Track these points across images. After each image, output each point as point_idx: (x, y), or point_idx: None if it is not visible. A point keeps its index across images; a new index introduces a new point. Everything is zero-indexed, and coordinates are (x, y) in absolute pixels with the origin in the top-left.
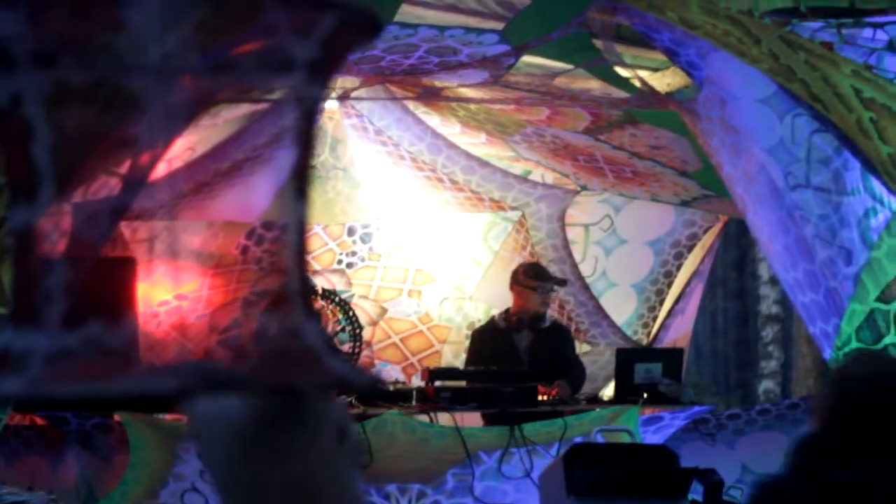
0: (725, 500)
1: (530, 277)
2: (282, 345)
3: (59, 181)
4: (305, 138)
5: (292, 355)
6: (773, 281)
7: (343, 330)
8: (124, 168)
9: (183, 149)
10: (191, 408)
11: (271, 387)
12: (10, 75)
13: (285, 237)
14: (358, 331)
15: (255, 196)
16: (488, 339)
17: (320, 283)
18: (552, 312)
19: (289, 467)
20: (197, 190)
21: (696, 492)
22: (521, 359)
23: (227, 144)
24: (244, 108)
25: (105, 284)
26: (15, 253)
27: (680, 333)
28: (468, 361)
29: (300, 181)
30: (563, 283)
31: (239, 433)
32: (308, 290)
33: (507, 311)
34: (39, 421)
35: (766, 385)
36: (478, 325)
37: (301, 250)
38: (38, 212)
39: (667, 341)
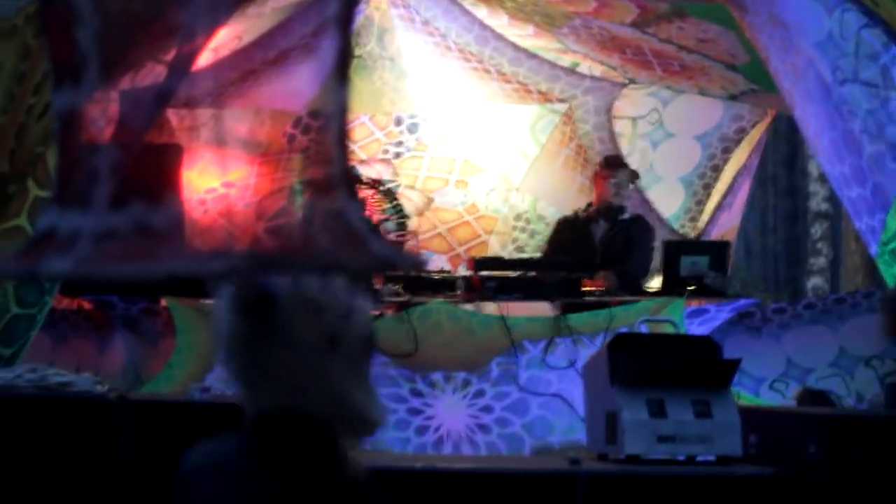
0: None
1: (602, 167)
2: (327, 228)
3: (104, 65)
4: (345, 25)
5: (338, 238)
6: (823, 178)
7: (389, 219)
8: (170, 55)
9: (230, 37)
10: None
11: (317, 267)
12: None
13: (330, 125)
14: (404, 220)
15: (301, 85)
16: (566, 229)
17: (367, 172)
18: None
19: (272, 365)
20: (244, 78)
21: (741, 384)
22: (594, 249)
23: (273, 33)
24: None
25: (151, 168)
26: (60, 135)
27: (727, 228)
28: (547, 249)
29: (342, 68)
30: (635, 175)
31: (229, 338)
32: (351, 174)
33: (589, 203)
34: (86, 305)
35: (814, 282)
36: (524, 216)
37: (343, 136)
38: (82, 95)
39: (714, 235)
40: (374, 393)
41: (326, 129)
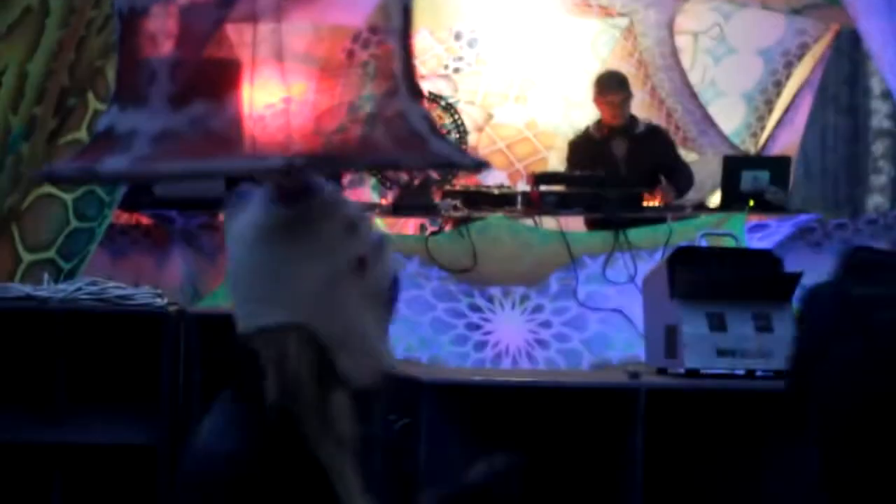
0: None
1: (595, 91)
2: (388, 129)
3: None
4: None
5: (398, 138)
6: (885, 95)
7: (449, 133)
8: None
9: None
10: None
11: (377, 165)
12: None
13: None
14: (464, 136)
15: None
16: (584, 150)
17: (427, 87)
18: (660, 119)
19: (295, 271)
20: None
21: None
22: (619, 167)
23: None
24: None
25: (207, 74)
26: (120, 35)
27: (788, 144)
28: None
29: None
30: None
31: (254, 237)
32: (413, 75)
33: (599, 121)
34: (145, 220)
35: (875, 200)
36: (582, 130)
37: (407, 45)
38: None
39: (774, 151)
40: (388, 339)
41: (388, 40)
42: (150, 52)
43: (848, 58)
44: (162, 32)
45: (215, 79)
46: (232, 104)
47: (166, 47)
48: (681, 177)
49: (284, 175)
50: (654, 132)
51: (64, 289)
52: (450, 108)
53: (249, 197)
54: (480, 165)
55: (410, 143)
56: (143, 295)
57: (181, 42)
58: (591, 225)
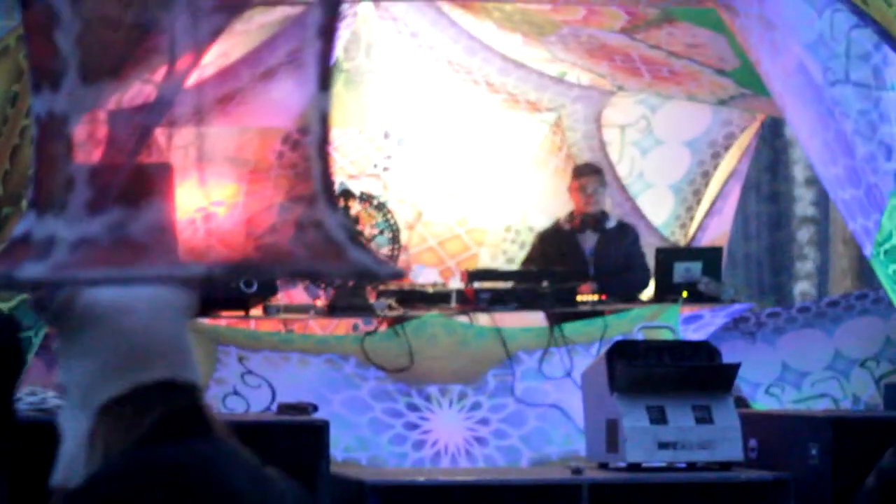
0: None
1: (572, 177)
2: (305, 237)
3: (84, 69)
4: (329, 29)
5: (315, 247)
6: (809, 182)
7: (382, 233)
8: (159, 75)
9: (216, 55)
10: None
11: (295, 275)
12: None
13: (310, 137)
14: (397, 234)
15: (289, 100)
16: (553, 242)
17: (358, 186)
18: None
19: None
20: (231, 96)
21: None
22: (586, 261)
23: (260, 49)
24: (278, 13)
25: (125, 178)
26: (38, 140)
27: (717, 234)
28: (528, 263)
29: (325, 73)
30: (597, 171)
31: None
32: (330, 184)
33: (571, 213)
34: None
35: (801, 287)
36: (514, 227)
37: (323, 147)
38: (61, 100)
39: (704, 242)
40: None
41: (310, 144)
42: (64, 154)
43: (770, 145)
44: (91, 141)
45: (134, 184)
46: (152, 210)
47: (95, 156)
48: (636, 278)
49: (206, 282)
50: (623, 228)
51: None
52: (381, 207)
53: None
54: (398, 274)
55: (328, 251)
56: None
57: (111, 150)
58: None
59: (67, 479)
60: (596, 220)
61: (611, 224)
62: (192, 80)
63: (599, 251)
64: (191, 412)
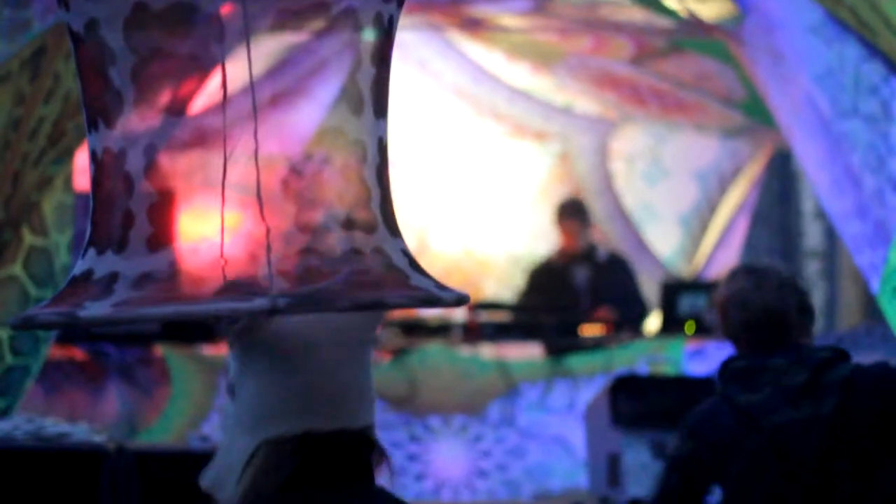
0: None
1: (557, 216)
2: (370, 264)
3: (138, 105)
4: (384, 56)
5: (382, 274)
6: (818, 215)
7: (419, 266)
8: (198, 97)
9: (237, 75)
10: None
11: (360, 305)
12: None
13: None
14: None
15: (297, 127)
16: (544, 278)
17: None
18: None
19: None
20: (237, 122)
21: None
22: (577, 295)
23: (268, 75)
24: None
25: (171, 212)
26: (93, 178)
27: (725, 267)
28: (522, 298)
29: (381, 100)
30: (578, 211)
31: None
32: (391, 208)
33: (559, 248)
34: (80, 354)
35: None
36: (519, 257)
37: (383, 169)
38: (117, 136)
39: (711, 275)
40: None
41: (358, 163)
42: (123, 191)
43: (779, 177)
44: (129, 164)
45: (191, 219)
46: (207, 242)
47: (135, 179)
48: (635, 310)
49: (269, 316)
50: (615, 261)
51: (1, 428)
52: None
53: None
54: (462, 300)
55: (392, 279)
56: (81, 431)
57: (150, 174)
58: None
59: (215, 487)
60: (585, 255)
61: (602, 257)
62: (198, 105)
63: (593, 287)
64: (352, 461)
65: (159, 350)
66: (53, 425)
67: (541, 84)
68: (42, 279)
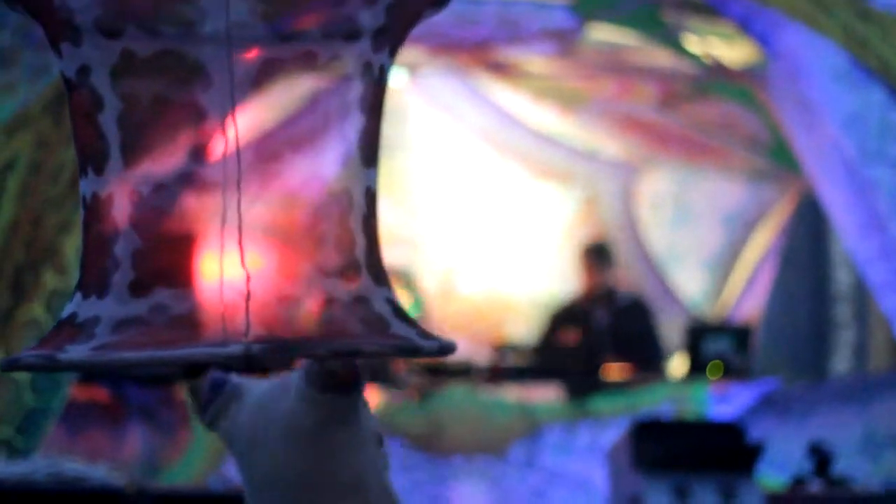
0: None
1: (581, 259)
2: (351, 312)
3: (126, 151)
4: (373, 107)
5: (361, 322)
6: (847, 259)
7: (403, 314)
8: (184, 143)
9: (247, 121)
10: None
11: (339, 352)
12: (77, 47)
13: (354, 210)
14: (420, 308)
15: (321, 169)
16: (566, 321)
17: (390, 256)
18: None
19: (342, 460)
20: (257, 166)
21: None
22: (600, 339)
23: (291, 118)
24: (307, 83)
25: (168, 257)
26: (84, 222)
27: (751, 311)
28: (543, 340)
29: (369, 150)
30: (601, 253)
31: (303, 432)
32: (377, 257)
33: (580, 291)
34: (101, 394)
35: (839, 363)
36: (543, 301)
37: (371, 217)
38: (106, 182)
39: (738, 318)
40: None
41: (347, 213)
42: (110, 236)
43: (808, 221)
44: (121, 206)
45: (176, 264)
46: (192, 286)
47: (124, 222)
48: (654, 354)
49: (245, 362)
50: (635, 305)
51: (20, 469)
52: (409, 281)
53: (245, 385)
54: (445, 349)
55: (373, 327)
56: (100, 474)
57: (141, 215)
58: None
59: None
60: (606, 299)
61: (623, 301)
62: (221, 147)
63: (613, 329)
64: None
65: (181, 391)
66: (73, 467)
67: (566, 128)
68: None
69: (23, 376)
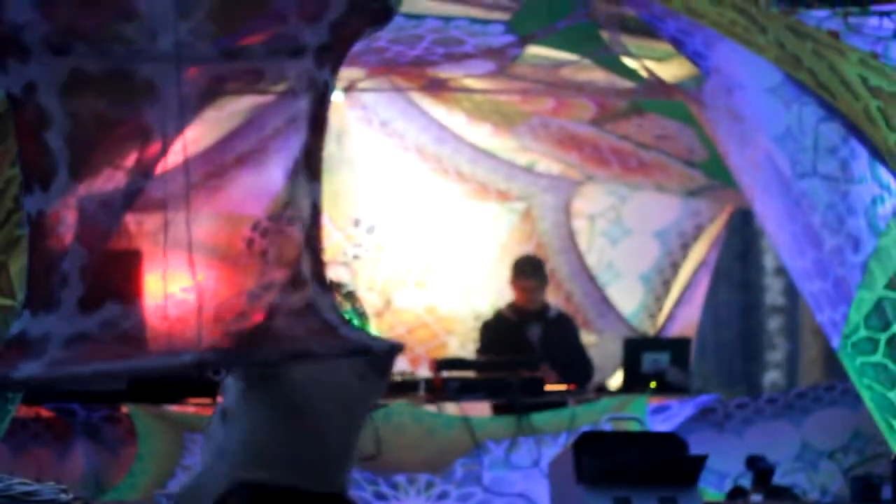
0: (778, 486)
1: (512, 274)
2: (299, 319)
3: (73, 168)
4: (317, 121)
5: (309, 328)
6: (778, 271)
7: (350, 321)
8: (130, 160)
9: (188, 141)
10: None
11: (292, 356)
12: (24, 64)
13: (296, 223)
14: (365, 322)
15: (260, 188)
16: (499, 332)
17: (327, 274)
18: (559, 302)
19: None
20: (202, 182)
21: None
22: (533, 350)
23: (232, 136)
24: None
25: (115, 272)
26: (31, 240)
27: (686, 324)
28: (479, 354)
29: (313, 164)
30: (536, 269)
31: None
32: (321, 267)
33: (512, 303)
34: (46, 413)
35: (771, 376)
36: (483, 316)
37: (315, 228)
38: (52, 199)
39: (673, 332)
40: None
41: (289, 229)
42: (57, 252)
43: (739, 234)
44: (62, 226)
45: (123, 279)
46: (140, 302)
47: (67, 241)
48: (581, 366)
49: (198, 370)
50: (562, 318)
51: None
52: (350, 296)
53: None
54: (395, 349)
55: (322, 332)
56: (48, 491)
57: (82, 235)
58: (495, 409)
59: (189, 489)
60: (539, 313)
61: (552, 314)
62: (162, 166)
63: (546, 341)
64: None
65: (126, 409)
66: (21, 483)
67: (503, 144)
68: None
69: None
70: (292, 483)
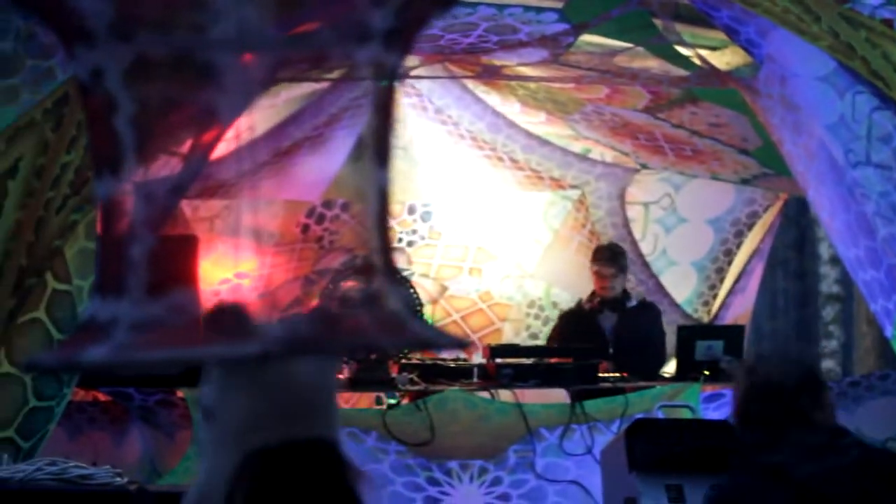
0: None
1: (591, 261)
2: (366, 310)
3: (140, 154)
4: (386, 105)
5: (376, 320)
6: (834, 260)
7: (420, 315)
8: (190, 146)
9: (242, 129)
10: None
11: (356, 349)
12: (91, 49)
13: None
14: (418, 309)
15: (314, 175)
16: (573, 322)
17: None
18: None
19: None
20: (257, 169)
21: None
22: (606, 340)
23: (286, 123)
24: (307, 87)
25: (179, 257)
26: (102, 225)
27: (740, 312)
28: (551, 341)
29: (381, 148)
30: (615, 257)
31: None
32: (390, 256)
33: (592, 293)
34: (102, 397)
35: (826, 364)
36: (537, 303)
37: (383, 217)
38: (121, 183)
39: (727, 319)
40: None
41: (348, 213)
42: (126, 237)
43: (795, 223)
44: (131, 211)
45: (187, 265)
46: (207, 288)
47: (136, 225)
48: (653, 357)
49: (262, 360)
50: (644, 307)
51: (23, 469)
52: (405, 282)
53: None
54: (462, 344)
55: (390, 324)
56: (103, 474)
57: (135, 222)
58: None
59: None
60: (615, 302)
61: (632, 303)
62: (218, 153)
63: (619, 330)
64: (333, 466)
65: (181, 393)
66: (76, 467)
67: (557, 132)
68: (65, 323)
69: (26, 378)
70: (289, 436)
